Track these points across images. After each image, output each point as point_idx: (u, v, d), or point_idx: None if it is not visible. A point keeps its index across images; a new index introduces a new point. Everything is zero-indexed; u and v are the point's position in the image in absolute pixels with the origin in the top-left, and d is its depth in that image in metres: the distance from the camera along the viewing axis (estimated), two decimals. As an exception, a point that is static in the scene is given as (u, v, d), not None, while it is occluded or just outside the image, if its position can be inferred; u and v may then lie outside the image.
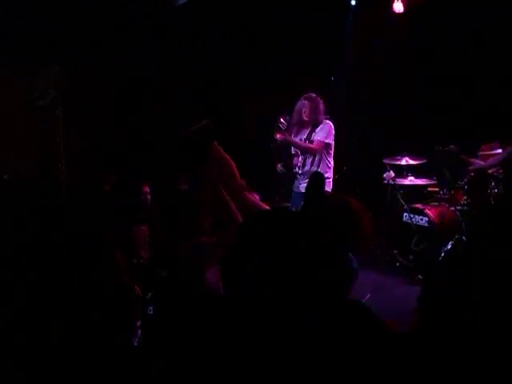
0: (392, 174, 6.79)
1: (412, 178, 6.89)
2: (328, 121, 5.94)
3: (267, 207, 3.96)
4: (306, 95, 5.91)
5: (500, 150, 6.03)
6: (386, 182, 6.84)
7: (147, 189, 5.94)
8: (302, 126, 5.95)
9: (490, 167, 6.03)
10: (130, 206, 5.70)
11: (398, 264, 6.62)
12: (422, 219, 6.54)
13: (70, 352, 3.11)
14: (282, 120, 5.97)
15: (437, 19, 7.01)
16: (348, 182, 6.57)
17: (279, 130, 5.93)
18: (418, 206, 6.64)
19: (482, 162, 6.14)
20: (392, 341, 2.07)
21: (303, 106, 5.88)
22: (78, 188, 6.58)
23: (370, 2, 7.57)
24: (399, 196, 6.79)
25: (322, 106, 5.88)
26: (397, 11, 7.24)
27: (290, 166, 6.17)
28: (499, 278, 2.62)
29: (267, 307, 2.06)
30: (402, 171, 6.94)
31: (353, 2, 7.82)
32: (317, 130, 5.90)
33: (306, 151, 5.96)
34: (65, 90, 7.69)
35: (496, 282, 2.61)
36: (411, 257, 6.56)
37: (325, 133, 5.85)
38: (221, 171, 5.09)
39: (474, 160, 6.30)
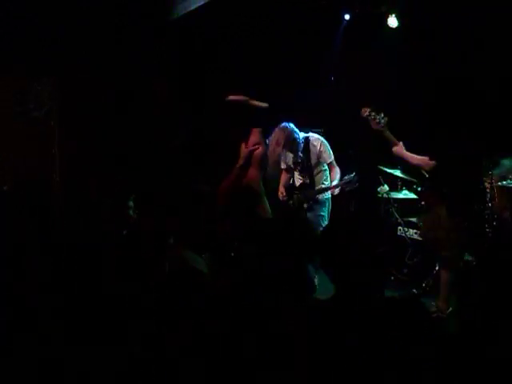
0: (386, 187, 6.81)
1: (406, 191, 6.89)
2: (316, 136, 6.11)
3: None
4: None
5: None
6: (380, 195, 6.86)
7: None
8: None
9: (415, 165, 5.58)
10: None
11: (392, 278, 6.61)
12: (416, 233, 6.55)
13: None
14: None
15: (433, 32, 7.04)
16: (343, 195, 6.56)
17: None
18: (412, 219, 6.64)
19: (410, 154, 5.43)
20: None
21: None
22: (73, 198, 6.58)
23: (364, 16, 7.60)
24: (393, 210, 6.80)
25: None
26: (391, 26, 7.28)
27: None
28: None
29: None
30: (397, 185, 6.94)
31: (346, 17, 7.83)
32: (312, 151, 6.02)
33: None
34: (60, 101, 7.73)
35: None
36: (405, 270, 6.56)
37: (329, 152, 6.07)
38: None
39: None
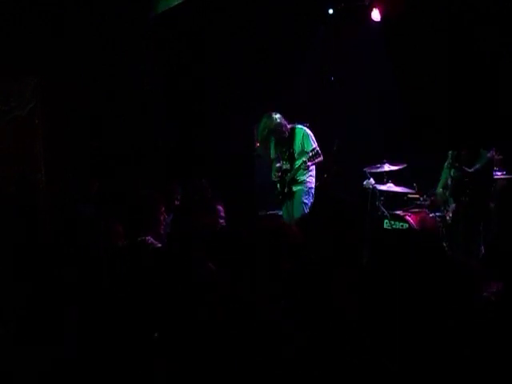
0: (372, 181, 6.81)
1: (392, 184, 6.90)
2: (299, 127, 6.48)
3: None
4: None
5: None
6: (366, 188, 6.85)
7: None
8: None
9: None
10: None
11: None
12: (402, 226, 6.55)
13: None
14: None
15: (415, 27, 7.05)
16: (329, 188, 6.58)
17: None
18: (399, 212, 6.65)
19: None
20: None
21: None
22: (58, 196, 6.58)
23: (348, 11, 7.60)
24: (379, 203, 6.80)
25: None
26: (374, 19, 7.29)
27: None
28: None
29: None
30: (383, 178, 6.95)
31: (330, 11, 7.82)
32: (296, 140, 6.38)
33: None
34: (44, 99, 7.68)
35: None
36: (392, 263, 6.57)
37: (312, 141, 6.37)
38: None
39: None
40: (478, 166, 5.77)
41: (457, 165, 5.83)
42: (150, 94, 8.25)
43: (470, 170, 5.78)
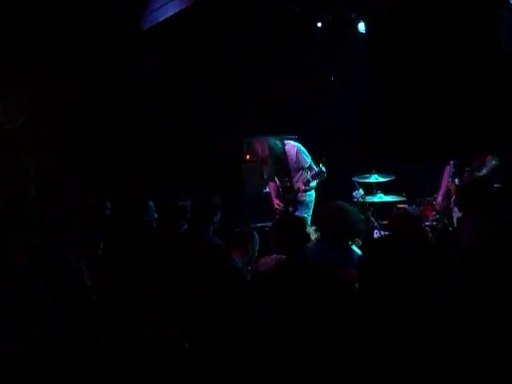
0: (361, 191, 6.84)
1: (381, 195, 6.93)
2: (292, 143, 6.35)
3: None
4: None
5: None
6: (355, 200, 6.88)
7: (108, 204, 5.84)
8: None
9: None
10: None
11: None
12: (392, 236, 6.55)
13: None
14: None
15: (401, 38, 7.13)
16: (317, 200, 6.59)
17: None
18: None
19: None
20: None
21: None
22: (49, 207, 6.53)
23: (335, 24, 7.68)
24: (369, 213, 6.83)
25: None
26: (361, 31, 7.39)
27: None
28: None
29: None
30: (371, 189, 6.98)
31: (318, 24, 7.88)
32: (290, 156, 6.25)
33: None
34: (31, 113, 7.65)
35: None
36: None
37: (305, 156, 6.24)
38: None
39: None
40: (485, 171, 5.66)
41: (468, 169, 5.75)
42: (149, 93, 8.22)
43: (479, 174, 5.69)
